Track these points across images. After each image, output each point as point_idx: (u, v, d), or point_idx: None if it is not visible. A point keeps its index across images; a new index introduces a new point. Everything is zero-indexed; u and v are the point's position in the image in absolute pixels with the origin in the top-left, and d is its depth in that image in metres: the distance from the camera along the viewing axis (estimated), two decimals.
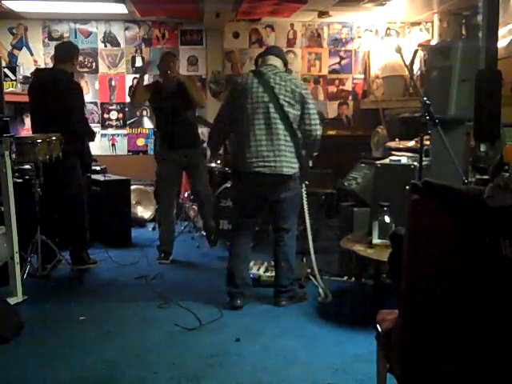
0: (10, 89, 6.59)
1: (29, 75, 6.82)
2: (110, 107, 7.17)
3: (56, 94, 4.35)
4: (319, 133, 3.62)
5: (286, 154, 3.53)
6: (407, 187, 1.68)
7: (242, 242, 3.73)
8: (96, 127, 7.01)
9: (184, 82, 4.79)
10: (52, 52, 6.81)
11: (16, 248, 3.71)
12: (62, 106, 4.31)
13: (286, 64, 3.75)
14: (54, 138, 4.11)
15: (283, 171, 3.53)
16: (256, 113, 3.55)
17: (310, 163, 3.93)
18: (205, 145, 5.31)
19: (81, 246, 4.57)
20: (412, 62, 5.43)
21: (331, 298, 3.74)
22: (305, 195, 3.94)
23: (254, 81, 3.58)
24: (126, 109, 7.18)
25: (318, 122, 3.59)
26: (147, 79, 7.06)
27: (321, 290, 3.76)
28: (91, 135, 4.77)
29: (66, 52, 4.56)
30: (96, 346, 3.13)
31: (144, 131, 7.18)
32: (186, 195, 5.98)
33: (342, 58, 7.36)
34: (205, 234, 5.30)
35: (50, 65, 6.87)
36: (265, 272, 4.13)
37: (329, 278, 4.35)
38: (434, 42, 6.61)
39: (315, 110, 3.60)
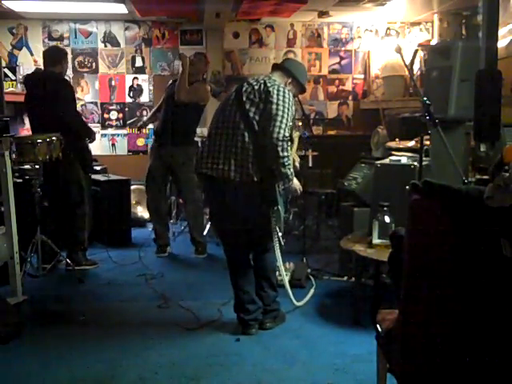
0: (10, 89, 6.60)
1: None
2: (110, 107, 7.17)
3: (47, 95, 4.37)
4: (277, 135, 3.01)
5: (237, 157, 3.08)
6: (407, 187, 1.68)
7: (240, 263, 3.35)
8: (96, 127, 7.02)
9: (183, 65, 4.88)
10: None
11: (16, 248, 3.71)
12: (54, 105, 4.32)
13: (293, 77, 3.33)
14: (54, 138, 4.11)
15: (230, 176, 3.08)
16: (223, 118, 3.21)
17: (281, 187, 3.19)
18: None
19: (74, 246, 4.57)
20: (412, 62, 5.42)
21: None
22: (274, 223, 3.20)
23: (235, 89, 3.29)
24: (126, 109, 7.18)
25: (280, 124, 3.02)
26: (147, 79, 7.10)
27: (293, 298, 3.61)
28: (89, 134, 4.74)
29: (53, 55, 4.63)
30: (96, 346, 3.13)
31: (144, 131, 7.18)
32: None
33: (341, 58, 7.37)
34: (192, 243, 5.16)
35: None
36: None
37: (329, 278, 4.36)
38: (434, 42, 6.61)
39: (283, 112, 3.05)
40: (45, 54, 4.74)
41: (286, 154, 3.05)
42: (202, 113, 5.15)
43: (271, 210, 3.17)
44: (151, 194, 5.13)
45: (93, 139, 4.78)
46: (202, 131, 5.73)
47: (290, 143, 3.09)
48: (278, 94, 3.09)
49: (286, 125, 3.05)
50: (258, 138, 3.08)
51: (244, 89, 3.18)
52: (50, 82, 4.45)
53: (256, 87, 3.15)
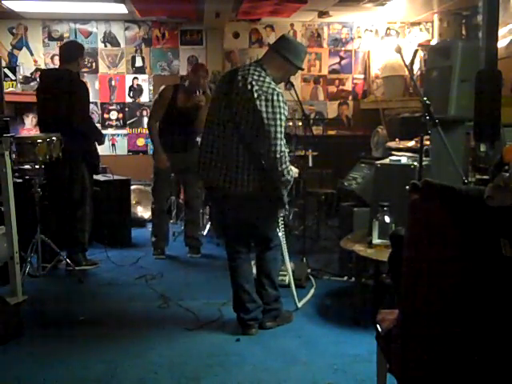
0: (10, 89, 6.59)
1: (29, 75, 6.84)
2: (110, 107, 7.17)
3: (60, 95, 4.36)
4: (274, 154, 2.95)
5: (232, 169, 3.04)
6: (407, 187, 1.68)
7: (241, 262, 3.31)
8: None
9: (200, 108, 4.75)
10: (52, 52, 6.88)
11: (16, 248, 3.70)
12: (66, 106, 4.32)
13: (290, 62, 3.13)
14: (54, 137, 4.12)
15: (225, 187, 3.07)
16: (215, 119, 3.14)
17: (285, 194, 3.12)
18: None
19: (74, 247, 4.58)
20: (412, 62, 5.40)
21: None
22: (281, 224, 3.38)
23: (223, 82, 3.22)
24: (126, 109, 7.18)
25: (275, 141, 2.94)
26: (147, 79, 7.10)
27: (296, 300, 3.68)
28: (98, 136, 4.74)
29: (70, 52, 4.57)
30: (96, 346, 3.13)
31: (144, 131, 7.17)
32: None
33: (341, 58, 7.37)
34: (187, 243, 5.16)
35: (50, 65, 6.90)
36: None
37: (329, 278, 4.36)
38: (434, 42, 6.61)
39: (275, 126, 2.94)
40: (61, 49, 4.69)
41: (284, 166, 3.00)
42: None
43: (279, 210, 3.20)
44: (160, 199, 5.09)
45: (101, 142, 4.79)
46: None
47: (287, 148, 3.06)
48: (266, 106, 2.95)
49: (281, 139, 2.97)
50: (252, 149, 3.02)
51: (235, 94, 3.03)
52: (66, 81, 4.42)
53: (242, 88, 3.00)
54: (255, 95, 2.97)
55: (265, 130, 2.96)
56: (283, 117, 2.99)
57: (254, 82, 3.01)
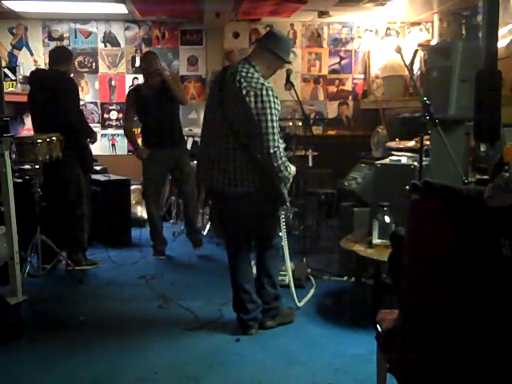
0: (10, 89, 6.59)
1: (29, 75, 6.83)
2: (110, 107, 7.17)
3: (50, 93, 4.39)
4: (268, 150, 2.91)
5: (230, 169, 3.02)
6: (407, 187, 1.68)
7: (241, 262, 3.31)
8: (96, 127, 7.01)
9: (166, 80, 4.84)
10: None
11: (16, 248, 3.71)
12: (56, 103, 4.33)
13: (279, 57, 3.12)
14: (54, 137, 4.12)
15: (224, 189, 3.06)
16: (210, 120, 3.15)
17: (284, 191, 3.10)
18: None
19: (74, 247, 4.57)
20: (412, 62, 5.42)
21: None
22: (282, 220, 3.40)
23: (215, 81, 3.21)
24: None
25: (267, 137, 2.90)
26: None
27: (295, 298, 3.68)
28: (90, 134, 4.75)
29: (59, 55, 4.67)
30: (96, 346, 3.14)
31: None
32: None
33: (341, 58, 7.37)
34: (188, 236, 5.22)
35: None
36: None
37: (329, 278, 4.36)
38: (434, 42, 6.61)
39: (266, 121, 2.89)
40: (51, 52, 4.77)
41: (280, 161, 2.96)
42: None
43: (280, 207, 3.20)
44: (153, 199, 5.10)
45: (94, 140, 4.79)
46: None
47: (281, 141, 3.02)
48: (255, 102, 2.91)
49: (274, 133, 2.93)
50: (249, 150, 3.00)
51: (225, 93, 3.02)
52: (54, 79, 4.46)
53: (231, 86, 2.98)
54: (244, 92, 2.93)
55: (256, 126, 2.92)
56: (274, 111, 2.93)
57: (242, 79, 2.98)
